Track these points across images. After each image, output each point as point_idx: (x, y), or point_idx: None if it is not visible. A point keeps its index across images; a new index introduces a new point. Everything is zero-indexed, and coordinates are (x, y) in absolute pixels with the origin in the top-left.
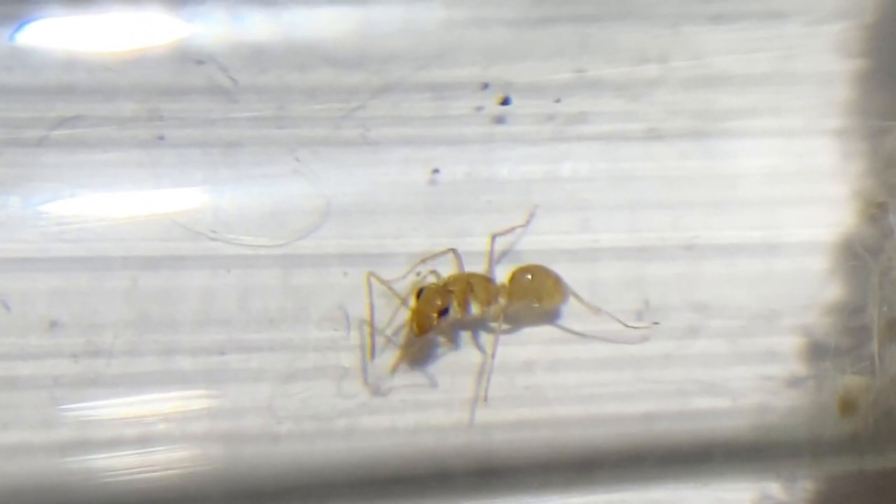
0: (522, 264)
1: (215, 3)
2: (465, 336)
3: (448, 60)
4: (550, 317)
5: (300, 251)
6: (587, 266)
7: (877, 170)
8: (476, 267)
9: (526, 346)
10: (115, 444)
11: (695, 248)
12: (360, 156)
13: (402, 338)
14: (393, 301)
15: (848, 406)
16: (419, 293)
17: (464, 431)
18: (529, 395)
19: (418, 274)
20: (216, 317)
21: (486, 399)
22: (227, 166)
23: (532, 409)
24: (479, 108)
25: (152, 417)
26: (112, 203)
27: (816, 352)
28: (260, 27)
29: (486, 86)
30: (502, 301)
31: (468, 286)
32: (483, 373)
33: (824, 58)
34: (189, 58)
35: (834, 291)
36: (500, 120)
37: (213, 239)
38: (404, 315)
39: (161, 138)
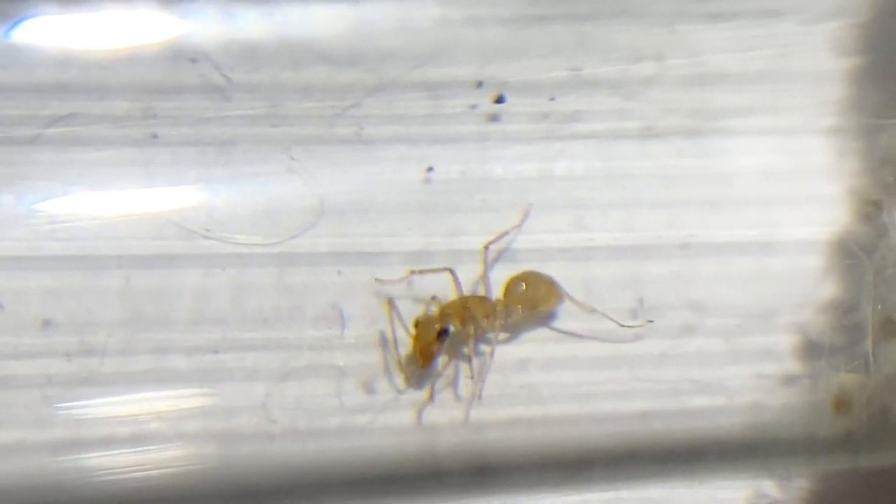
0: (515, 273)
1: (208, 1)
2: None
3: (442, 59)
4: (546, 319)
5: (294, 250)
6: (582, 265)
7: (872, 168)
8: (472, 269)
9: (521, 344)
10: (108, 443)
11: (690, 247)
12: (354, 154)
13: (404, 359)
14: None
15: (842, 404)
16: (417, 325)
17: (458, 430)
18: (524, 393)
19: (412, 272)
20: (210, 315)
21: (480, 398)
22: (220, 165)
23: (527, 407)
24: (473, 107)
25: (146, 416)
26: (105, 201)
27: (811, 350)
28: (253, 25)
29: (480, 84)
30: (500, 313)
31: (465, 310)
32: (478, 372)
33: (819, 56)
34: (182, 56)
35: (829, 290)
36: (494, 118)
37: (206, 237)
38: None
39: (154, 136)
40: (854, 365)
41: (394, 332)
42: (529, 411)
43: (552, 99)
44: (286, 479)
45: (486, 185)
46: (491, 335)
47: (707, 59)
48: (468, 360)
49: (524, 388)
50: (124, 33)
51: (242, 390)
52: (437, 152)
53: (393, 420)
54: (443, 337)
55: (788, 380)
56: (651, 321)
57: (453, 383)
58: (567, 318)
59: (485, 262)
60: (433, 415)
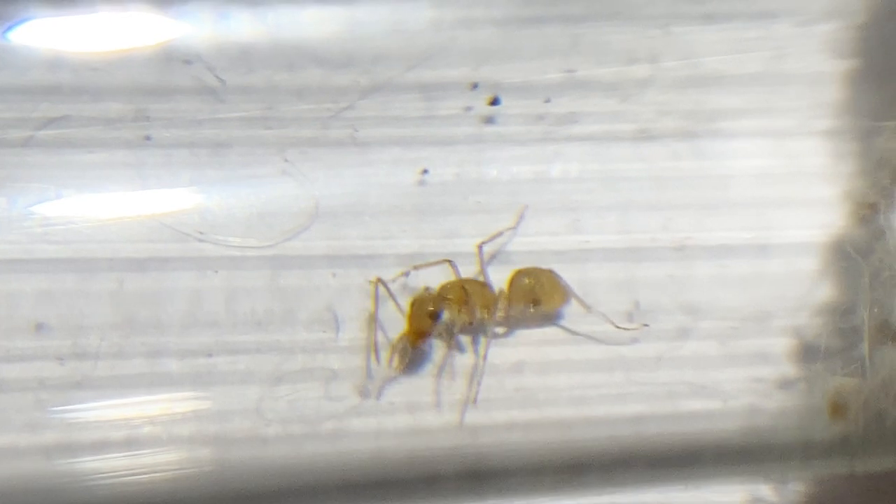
0: (521, 267)
1: (202, 3)
2: (465, 341)
3: (437, 61)
4: (551, 318)
5: (288, 252)
6: (577, 267)
7: (867, 170)
8: (467, 270)
9: (516, 347)
10: (101, 446)
11: (685, 249)
12: (348, 156)
13: (396, 340)
14: (388, 303)
15: (838, 408)
16: (413, 303)
17: (453, 434)
18: (520, 397)
19: (407, 275)
20: (203, 319)
21: (475, 401)
22: (214, 167)
23: (522, 411)
24: (468, 109)
25: (139, 420)
26: (98, 204)
27: (807, 353)
28: (247, 27)
29: (475, 86)
30: (501, 305)
31: (464, 292)
32: (473, 375)
33: (815, 58)
34: (176, 58)
35: (825, 293)
36: (489, 120)
37: (200, 240)
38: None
39: (148, 139)
40: (850, 368)
41: (377, 315)
42: (524, 415)
43: (547, 101)
44: (280, 483)
45: (480, 188)
46: (488, 327)
47: (702, 61)
48: (458, 347)
49: (519, 392)
50: (117, 35)
51: (236, 394)
52: (432, 154)
53: (387, 423)
54: (436, 317)
55: (784, 383)
56: (647, 325)
57: (441, 370)
58: (562, 320)
59: (480, 259)
60: (428, 418)
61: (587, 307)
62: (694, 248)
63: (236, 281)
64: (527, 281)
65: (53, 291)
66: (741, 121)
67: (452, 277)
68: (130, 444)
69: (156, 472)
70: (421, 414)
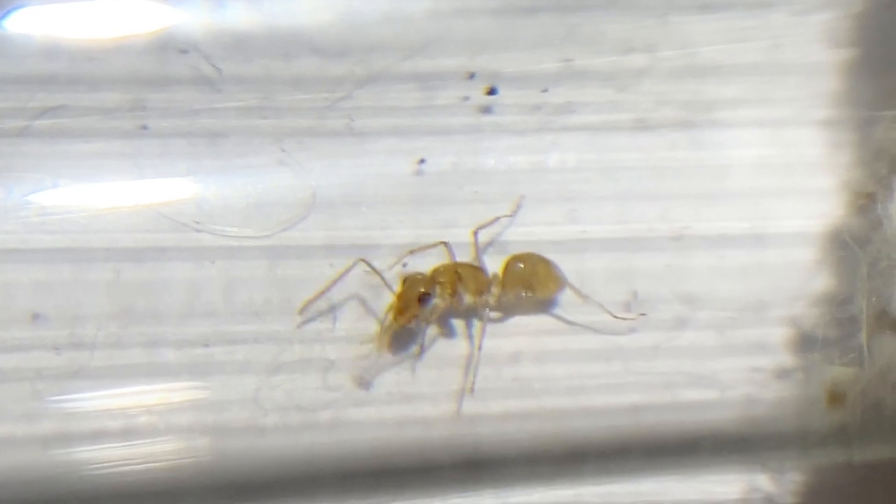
0: (517, 252)
1: None
2: (459, 326)
3: (434, 50)
4: (546, 305)
5: (285, 242)
6: (574, 257)
7: (865, 160)
8: (463, 258)
9: (513, 337)
10: (98, 436)
11: (683, 240)
12: (345, 146)
13: (385, 321)
14: (381, 291)
15: (836, 397)
16: (404, 282)
17: (450, 423)
18: (517, 386)
19: (404, 265)
20: (201, 309)
21: (472, 391)
22: (211, 157)
23: (519, 400)
24: (465, 98)
25: (136, 410)
26: (95, 194)
27: (805, 343)
28: (243, 16)
29: (472, 76)
30: (495, 290)
31: (456, 276)
32: (470, 365)
33: (812, 48)
34: (172, 47)
35: (822, 282)
36: (486, 110)
37: (197, 230)
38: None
39: (144, 128)
40: (848, 358)
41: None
42: (522, 405)
43: (544, 90)
44: (277, 473)
45: (477, 177)
46: (481, 311)
47: (699, 51)
48: (451, 332)
49: (516, 382)
50: (113, 24)
51: (233, 383)
52: (429, 144)
53: (385, 413)
54: (426, 299)
55: (782, 373)
56: (644, 314)
57: (423, 350)
58: (559, 310)
59: (476, 246)
60: (425, 408)
61: (583, 297)
62: (692, 238)
63: (233, 271)
64: (521, 266)
65: (50, 281)
66: (739, 111)
67: (447, 258)
68: (128, 433)
69: (153, 461)
70: (418, 403)
